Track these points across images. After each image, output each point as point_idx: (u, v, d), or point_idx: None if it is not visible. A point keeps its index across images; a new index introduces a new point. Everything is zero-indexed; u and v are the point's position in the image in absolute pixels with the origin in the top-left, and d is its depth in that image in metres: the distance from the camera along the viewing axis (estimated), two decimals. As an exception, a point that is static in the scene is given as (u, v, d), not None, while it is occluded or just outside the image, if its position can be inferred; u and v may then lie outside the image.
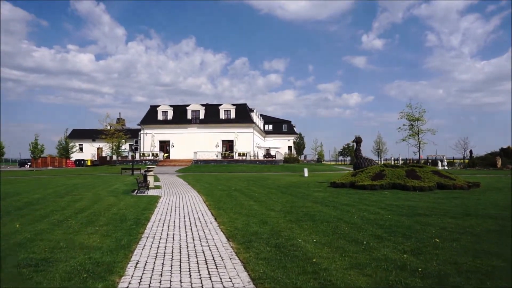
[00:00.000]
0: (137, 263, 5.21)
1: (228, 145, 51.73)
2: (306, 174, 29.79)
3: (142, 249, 6.04)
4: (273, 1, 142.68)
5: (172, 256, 5.59)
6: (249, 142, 50.91)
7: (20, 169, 46.52)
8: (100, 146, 56.70)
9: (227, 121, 52.34)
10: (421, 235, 6.78)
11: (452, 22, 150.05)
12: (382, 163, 60.30)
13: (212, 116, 52.96)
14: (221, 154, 48.39)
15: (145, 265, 5.14)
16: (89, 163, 53.98)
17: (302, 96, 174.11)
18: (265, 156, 49.95)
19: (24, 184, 20.06)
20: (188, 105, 54.11)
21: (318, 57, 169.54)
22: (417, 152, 26.74)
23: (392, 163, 55.43)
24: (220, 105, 53.86)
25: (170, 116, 53.83)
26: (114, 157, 48.30)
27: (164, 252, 5.85)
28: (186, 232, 7.44)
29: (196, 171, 36.84)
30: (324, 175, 30.13)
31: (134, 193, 15.22)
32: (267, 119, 74.38)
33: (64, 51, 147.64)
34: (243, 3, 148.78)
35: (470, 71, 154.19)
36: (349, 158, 79.41)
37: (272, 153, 51.59)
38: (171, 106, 54.94)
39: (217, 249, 6.00)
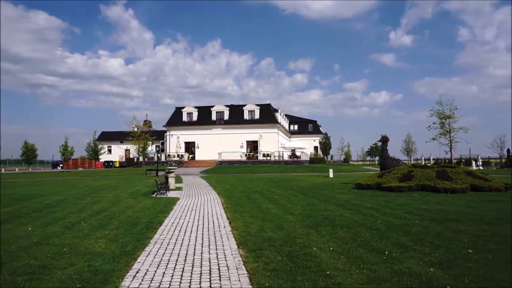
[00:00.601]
0: (137, 272, 4.89)
1: (253, 145, 51.44)
2: (331, 175, 28.98)
3: (147, 256, 5.73)
4: (298, 1, 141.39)
5: (176, 265, 5.24)
6: (274, 142, 50.41)
7: (52, 171, 48.26)
8: (128, 148, 57.91)
9: (252, 122, 52.07)
10: (451, 244, 6.10)
11: (486, 15, 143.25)
12: (412, 163, 58.27)
13: (236, 117, 52.88)
14: (245, 154, 48.15)
15: (145, 274, 4.81)
16: (117, 165, 55.31)
17: (328, 95, 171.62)
18: (290, 156, 49.29)
19: (50, 186, 20.54)
20: (212, 106, 54.31)
21: (344, 56, 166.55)
22: (448, 151, 25.23)
23: (423, 163, 53.25)
24: (244, 105, 53.68)
25: (195, 117, 54.20)
26: (141, 159, 49.15)
27: (169, 260, 5.52)
28: (196, 237, 7.10)
29: (220, 172, 36.76)
30: (350, 176, 29.20)
31: (154, 195, 15.13)
32: (292, 119, 73.58)
33: (95, 56, 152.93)
34: (268, 3, 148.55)
35: (506, 66, 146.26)
36: (377, 158, 77.17)
37: (297, 153, 50.84)
38: (195, 107, 55.33)
39: (225, 258, 5.60)
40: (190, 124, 53.45)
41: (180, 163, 46.73)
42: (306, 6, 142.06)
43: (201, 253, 5.87)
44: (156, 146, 57.37)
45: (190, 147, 52.91)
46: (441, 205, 11.06)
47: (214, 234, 7.39)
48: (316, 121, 75.27)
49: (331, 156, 70.72)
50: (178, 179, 26.10)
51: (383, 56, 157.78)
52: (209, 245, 6.45)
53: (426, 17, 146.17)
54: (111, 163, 54.79)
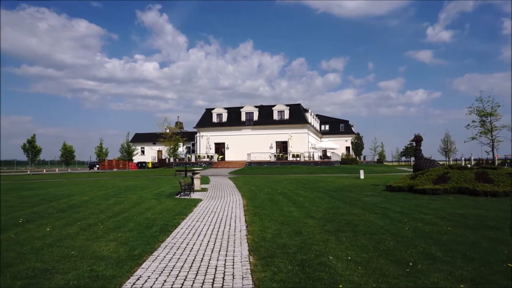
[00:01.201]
0: (137, 279, 4.65)
1: (283, 146, 50.92)
2: (362, 176, 27.95)
3: (153, 261, 5.50)
4: (330, 0, 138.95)
5: (179, 272, 4.96)
6: (304, 143, 49.63)
7: (88, 171, 50.15)
8: (160, 149, 59.16)
9: (281, 122, 51.56)
10: (488, 256, 5.41)
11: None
12: (451, 163, 55.36)
13: (266, 117, 52.59)
14: (275, 155, 47.70)
15: (145, 282, 4.57)
16: (150, 165, 56.63)
17: (362, 95, 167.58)
18: (320, 157, 48.31)
19: (82, 186, 21.12)
20: (242, 107, 54.33)
21: (378, 54, 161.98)
22: (490, 151, 23.52)
23: (463, 163, 50.40)
24: (274, 106, 53.26)
25: (224, 118, 54.45)
26: (171, 160, 49.99)
27: (174, 266, 5.25)
28: (208, 242, 6.81)
29: (248, 173, 36.57)
30: (382, 177, 28.03)
31: (178, 196, 15.08)
32: (323, 119, 72.30)
33: (132, 61, 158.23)
34: (299, 3, 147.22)
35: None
36: (412, 158, 74.18)
37: (328, 154, 49.76)
38: (225, 108, 55.58)
39: (233, 265, 5.26)
40: (220, 125, 53.74)
41: (209, 164, 47.07)
42: (338, 4, 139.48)
43: (209, 260, 5.56)
44: (187, 147, 58.20)
45: (220, 148, 53.20)
46: (479, 210, 10.15)
47: (228, 238, 7.07)
48: (348, 121, 73.47)
49: (364, 157, 68.75)
50: (206, 180, 26.15)
51: (419, 53, 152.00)
52: (219, 250, 6.14)
53: (467, 11, 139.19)
54: (144, 164, 56.17)
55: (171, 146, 46.74)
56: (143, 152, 63.61)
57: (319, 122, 68.34)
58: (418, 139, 18.96)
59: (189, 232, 7.67)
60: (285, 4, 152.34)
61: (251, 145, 49.27)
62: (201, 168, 21.75)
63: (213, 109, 55.85)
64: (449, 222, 8.23)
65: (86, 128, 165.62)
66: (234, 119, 53.72)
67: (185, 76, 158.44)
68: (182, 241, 6.83)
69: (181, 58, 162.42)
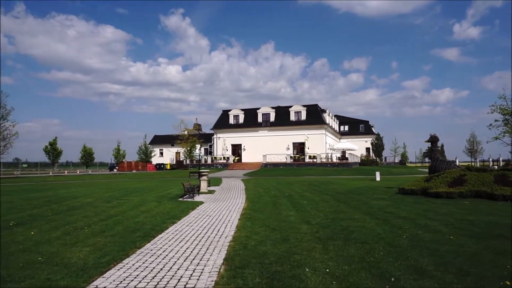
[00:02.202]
0: (90, 291, 4.35)
1: (300, 147, 50.19)
2: (378, 178, 27.01)
3: (118, 269, 5.20)
4: (352, 0, 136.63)
5: (139, 283, 4.62)
6: (321, 143, 48.72)
7: (107, 173, 51.03)
8: (178, 151, 59.62)
9: (298, 123, 50.84)
10: (486, 271, 4.80)
11: None
12: (478, 164, 52.86)
13: (282, 118, 52.01)
14: (291, 157, 47.05)
15: (97, 294, 4.25)
16: (168, 167, 57.11)
17: (385, 94, 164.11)
18: (339, 158, 47.30)
19: (92, 188, 21.29)
20: (258, 108, 53.96)
21: (402, 52, 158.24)
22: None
23: (490, 165, 48.05)
24: (290, 106, 52.60)
25: (241, 120, 54.23)
26: (188, 161, 50.21)
27: (137, 276, 4.93)
28: (187, 249, 6.45)
29: (262, 175, 36.13)
30: (399, 179, 26.96)
31: (181, 199, 14.84)
32: (342, 120, 70.95)
33: (155, 64, 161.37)
34: (321, 3, 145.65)
35: None
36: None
37: (346, 155, 48.65)
38: (242, 110, 55.36)
39: (199, 276, 4.89)
40: (237, 126, 53.56)
41: (225, 165, 46.95)
42: (361, 3, 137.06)
43: (177, 269, 5.20)
44: (204, 148, 58.38)
45: (236, 149, 53.01)
46: (493, 216, 9.36)
47: (210, 245, 6.69)
48: (368, 121, 71.77)
49: (385, 158, 66.94)
50: (218, 182, 25.92)
51: (445, 51, 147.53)
52: (194, 259, 5.77)
53: (496, 6, 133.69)
54: (162, 166, 56.71)
55: (188, 148, 46.91)
56: (161, 153, 64.30)
57: (338, 122, 67.08)
58: (434, 140, 18.03)
59: (173, 238, 7.35)
60: (306, 5, 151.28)
61: (267, 147, 48.83)
62: (208, 170, 21.60)
63: (230, 110, 55.75)
64: (454, 230, 7.56)
65: (111, 130, 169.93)
66: (251, 120, 53.41)
67: (207, 78, 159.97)
68: (160, 248, 6.51)
69: (204, 61, 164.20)
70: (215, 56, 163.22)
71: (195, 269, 5.22)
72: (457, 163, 53.34)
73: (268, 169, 43.11)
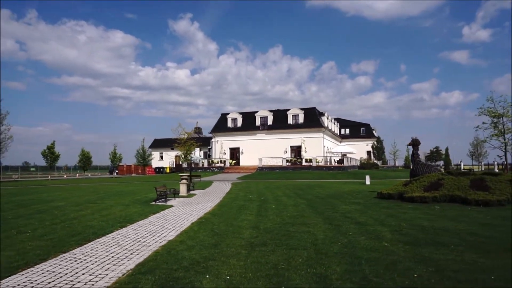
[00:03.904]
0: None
1: (297, 150, 49.89)
2: (367, 182, 26.66)
3: (22, 274, 5.14)
4: (360, 1, 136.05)
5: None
6: (319, 147, 48.39)
7: (106, 176, 51.30)
8: (177, 154, 59.71)
9: (296, 126, 50.58)
10: (390, 280, 4.60)
11: None
12: (482, 168, 52.00)
13: (280, 121, 51.81)
14: (287, 160, 46.80)
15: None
16: (167, 170, 57.24)
17: (394, 97, 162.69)
18: (338, 161, 46.89)
19: (77, 191, 21.39)
20: (256, 112, 53.85)
21: (411, 55, 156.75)
22: (502, 155, 21.60)
23: (495, 168, 47.19)
24: (288, 110, 52.39)
25: (239, 123, 54.17)
26: (185, 165, 50.22)
27: (36, 281, 4.86)
28: (112, 253, 6.37)
29: (256, 178, 35.96)
30: (389, 183, 26.51)
31: (153, 203, 14.77)
32: (343, 123, 70.46)
33: (164, 68, 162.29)
34: (328, 7, 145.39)
35: None
36: (442, 162, 70.74)
37: (344, 158, 48.21)
38: (240, 113, 55.33)
39: (96, 282, 4.78)
40: (235, 130, 53.51)
41: (221, 169, 46.90)
42: (369, 6, 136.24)
43: (82, 274, 5.12)
44: (204, 152, 58.41)
45: (235, 153, 52.91)
46: (453, 221, 9.13)
47: (137, 250, 6.60)
48: (369, 124, 71.17)
49: (387, 161, 66.22)
50: (206, 185, 25.88)
51: (454, 53, 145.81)
52: (108, 263, 5.68)
53: (507, 8, 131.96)
54: (161, 169, 56.86)
55: (184, 152, 46.89)
56: (161, 157, 64.51)
57: (338, 125, 66.63)
58: (415, 143, 17.69)
59: (109, 242, 7.28)
60: (314, 8, 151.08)
61: (265, 150, 48.65)
62: (187, 175, 21.52)
63: (228, 114, 55.75)
64: (398, 236, 7.35)
65: (120, 134, 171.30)
66: (249, 123, 53.31)
67: (215, 82, 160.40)
68: (87, 252, 6.44)
69: (212, 65, 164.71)
70: (223, 60, 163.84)
71: (100, 274, 5.13)
72: (462, 167, 52.69)
73: (263, 172, 42.94)
